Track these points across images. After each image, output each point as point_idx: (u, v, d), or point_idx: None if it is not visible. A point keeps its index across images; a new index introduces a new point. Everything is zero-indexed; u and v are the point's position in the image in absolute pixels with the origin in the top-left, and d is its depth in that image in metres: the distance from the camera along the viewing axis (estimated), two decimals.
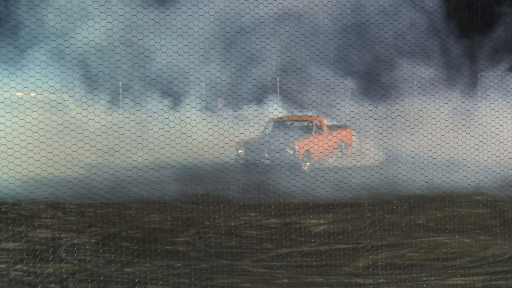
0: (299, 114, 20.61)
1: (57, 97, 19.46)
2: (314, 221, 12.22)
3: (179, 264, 9.46)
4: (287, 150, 18.04)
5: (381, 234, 11.14)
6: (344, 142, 20.42)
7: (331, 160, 19.58)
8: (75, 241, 10.89)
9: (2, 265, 9.43)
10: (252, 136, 18.60)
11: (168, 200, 14.61)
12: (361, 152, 19.62)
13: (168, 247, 10.46)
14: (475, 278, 8.69)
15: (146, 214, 13.17)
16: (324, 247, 10.33)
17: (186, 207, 13.99)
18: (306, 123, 19.58)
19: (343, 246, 10.42)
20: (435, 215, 12.72)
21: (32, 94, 19.20)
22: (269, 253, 10.06)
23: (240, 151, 18.15)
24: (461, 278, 8.70)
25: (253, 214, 12.94)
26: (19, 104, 18.55)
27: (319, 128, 19.76)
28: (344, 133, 20.56)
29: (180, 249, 10.37)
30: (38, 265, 9.42)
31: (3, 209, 13.68)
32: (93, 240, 10.97)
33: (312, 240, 10.83)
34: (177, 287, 8.47)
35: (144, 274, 8.98)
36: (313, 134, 19.32)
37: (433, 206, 13.58)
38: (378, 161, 19.16)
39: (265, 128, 19.35)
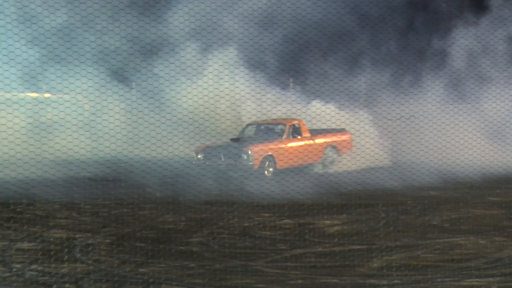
0: (281, 117, 19.54)
1: (71, 97, 19.52)
2: (328, 222, 12.20)
3: (193, 265, 9.47)
4: (242, 155, 17.57)
5: (395, 235, 11.10)
6: (334, 147, 19.12)
7: (317, 167, 18.76)
8: (89, 241, 10.92)
9: (18, 265, 9.48)
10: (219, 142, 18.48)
11: (182, 201, 14.64)
12: (366, 155, 18.45)
13: (182, 248, 10.47)
14: (490, 279, 8.65)
15: (160, 215, 13.20)
16: (338, 248, 10.31)
17: (200, 207, 14.01)
18: (279, 127, 18.66)
19: (357, 247, 10.40)
20: (449, 216, 12.67)
21: (46, 95, 19.27)
22: (283, 253, 10.05)
23: (199, 156, 17.88)
24: (476, 279, 8.66)
25: (266, 214, 12.94)
26: (34, 105, 18.64)
27: (296, 132, 18.64)
28: (336, 138, 19.29)
29: (194, 249, 10.38)
30: (53, 265, 9.46)
31: (18, 209, 13.75)
32: (107, 241, 11.01)
33: (326, 240, 10.82)
34: None
35: (158, 275, 9.00)
36: (284, 138, 18.36)
37: (448, 207, 13.53)
38: (384, 163, 18.78)
39: (242, 133, 18.87)
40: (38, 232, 11.61)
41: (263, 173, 17.55)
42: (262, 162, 17.61)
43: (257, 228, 11.81)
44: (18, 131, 16.94)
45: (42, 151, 16.59)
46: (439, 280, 8.61)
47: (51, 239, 11.08)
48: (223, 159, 17.63)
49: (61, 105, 19.11)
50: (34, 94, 18.87)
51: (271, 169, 17.74)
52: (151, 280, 8.73)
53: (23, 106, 18.27)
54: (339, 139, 19.31)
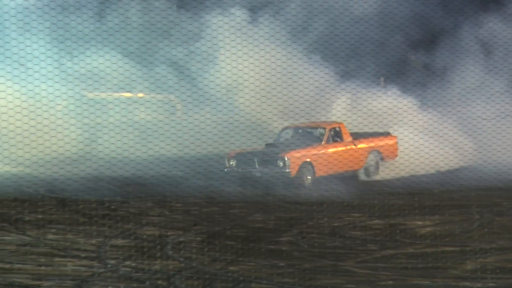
0: (320, 120, 18.23)
1: (164, 97, 19.88)
2: (420, 223, 11.99)
3: (282, 264, 9.48)
4: (278, 162, 16.11)
5: (490, 237, 10.81)
6: (380, 153, 17.59)
7: (361, 174, 17.36)
8: (181, 239, 11.10)
9: (112, 261, 9.72)
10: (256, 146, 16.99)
11: (272, 200, 14.69)
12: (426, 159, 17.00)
13: (271, 247, 10.51)
14: None
15: (250, 214, 13.28)
16: (430, 249, 10.12)
17: (289, 207, 14.02)
18: (319, 130, 17.16)
19: (450, 248, 10.18)
20: None
21: (140, 95, 19.70)
22: (373, 254, 9.94)
23: (231, 162, 16.50)
24: None
25: (357, 214, 12.83)
26: (128, 105, 19.09)
27: (337, 136, 17.11)
28: (380, 142, 17.70)
29: (283, 248, 10.39)
30: (146, 262, 9.65)
31: (112, 207, 14.11)
32: (198, 238, 11.15)
33: (417, 242, 10.63)
34: (281, 287, 8.50)
35: (248, 273, 9.06)
36: (323, 143, 16.80)
37: None
38: (452, 167, 17.90)
39: (279, 137, 17.48)
40: (132, 229, 11.88)
41: (302, 181, 16.17)
42: (300, 169, 16.15)
43: (347, 228, 11.73)
44: (112, 130, 17.40)
45: (135, 149, 16.96)
46: None
47: (144, 236, 11.31)
48: (257, 166, 16.25)
49: (154, 105, 19.51)
50: (128, 94, 19.32)
51: (309, 177, 16.27)
52: (241, 278, 8.79)
53: (117, 105, 18.76)
54: (383, 143, 17.72)
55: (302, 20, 19.15)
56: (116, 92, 18.72)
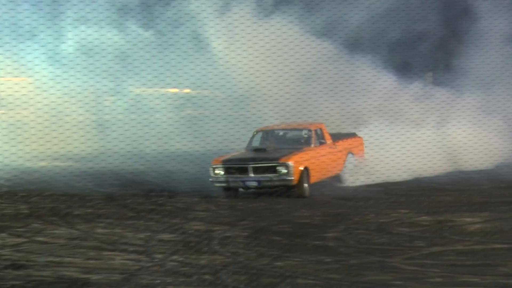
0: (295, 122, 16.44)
1: (210, 93, 19.96)
2: (469, 219, 11.83)
3: (328, 260, 9.45)
4: (279, 168, 14.14)
5: None
6: (353, 154, 16.09)
7: (344, 178, 15.67)
8: (227, 234, 11.14)
9: (159, 255, 9.81)
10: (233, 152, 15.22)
11: (318, 196, 14.64)
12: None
13: (317, 242, 10.48)
14: None
15: (296, 209, 13.26)
16: (479, 246, 9.98)
17: (336, 202, 13.96)
18: (303, 132, 15.29)
19: (499, 245, 10.02)
20: None
21: (186, 90, 19.83)
22: (421, 251, 9.85)
23: (217, 172, 14.34)
24: None
25: (404, 211, 12.71)
26: (174, 100, 19.23)
27: (321, 138, 15.43)
28: (353, 143, 16.32)
29: (329, 244, 10.36)
30: (192, 257, 9.71)
31: (160, 202, 14.23)
32: (244, 233, 11.18)
33: (466, 238, 10.49)
34: (327, 282, 8.47)
35: (294, 268, 9.05)
36: (313, 146, 15.04)
37: None
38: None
39: (250, 142, 15.37)
40: (178, 224, 11.97)
41: (302, 190, 14.39)
42: (301, 175, 14.28)
43: (394, 224, 11.63)
44: (159, 125, 17.55)
45: (182, 145, 17.09)
46: None
47: (191, 231, 11.39)
48: (252, 175, 14.19)
49: (200, 100, 19.61)
50: (174, 90, 19.45)
51: (306, 184, 14.44)
52: (287, 273, 8.79)
53: (164, 101, 18.91)
54: (355, 144, 16.34)
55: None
56: (162, 87, 18.87)
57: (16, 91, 15.39)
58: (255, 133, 15.55)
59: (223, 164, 14.31)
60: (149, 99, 18.94)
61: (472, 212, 12.40)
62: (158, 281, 8.63)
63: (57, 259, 9.71)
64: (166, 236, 11.09)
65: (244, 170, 14.25)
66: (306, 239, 10.67)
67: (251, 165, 14.23)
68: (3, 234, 11.30)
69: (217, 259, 9.58)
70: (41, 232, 11.51)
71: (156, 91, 19.13)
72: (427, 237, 10.69)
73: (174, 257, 9.73)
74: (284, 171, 14.08)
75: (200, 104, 19.52)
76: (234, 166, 14.34)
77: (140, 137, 16.72)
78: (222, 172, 14.31)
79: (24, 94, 15.28)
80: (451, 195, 14.34)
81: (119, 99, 18.52)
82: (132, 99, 18.76)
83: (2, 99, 14.57)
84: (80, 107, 16.54)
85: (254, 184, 14.23)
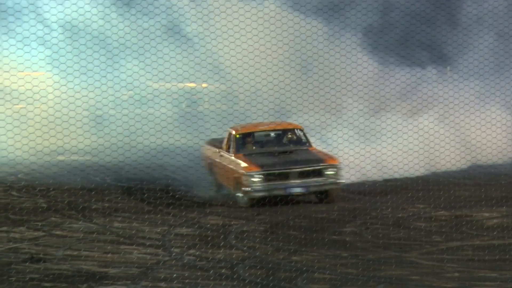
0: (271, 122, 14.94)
1: (227, 87, 19.95)
2: (487, 214, 11.76)
3: (346, 254, 9.44)
4: (327, 171, 12.92)
5: None
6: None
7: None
8: (244, 229, 11.15)
9: (177, 250, 9.84)
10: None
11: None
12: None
13: (335, 237, 10.47)
14: None
15: (313, 204, 13.24)
16: (497, 241, 9.92)
17: (353, 197, 13.93)
18: (296, 132, 13.98)
19: None
20: None
21: (204, 85, 19.86)
22: (438, 245, 9.81)
23: (256, 180, 12.66)
24: None
25: (421, 205, 12.66)
26: (192, 95, 19.25)
27: (305, 138, 14.07)
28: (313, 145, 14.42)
29: (347, 239, 10.35)
30: (209, 251, 9.74)
31: (177, 196, 14.27)
32: (261, 228, 11.19)
33: (484, 233, 10.44)
34: (344, 277, 8.46)
35: (311, 263, 9.05)
36: (313, 145, 13.99)
37: None
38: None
39: (237, 144, 13.60)
40: (196, 218, 12.00)
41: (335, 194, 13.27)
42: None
43: (411, 219, 11.59)
44: (176, 120, 17.58)
45: (199, 139, 17.11)
46: None
47: (208, 225, 11.41)
48: (297, 180, 12.88)
49: (217, 95, 19.62)
50: (192, 84, 19.48)
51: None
52: (304, 268, 8.79)
53: (182, 96, 18.93)
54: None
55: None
56: (180, 82, 18.90)
57: (35, 86, 15.49)
58: (237, 135, 13.72)
59: (263, 171, 12.73)
60: (166, 94, 18.99)
61: (490, 207, 12.34)
62: (175, 275, 8.66)
63: (75, 253, 9.77)
64: (183, 230, 11.12)
65: (285, 176, 12.89)
66: (323, 233, 10.67)
67: (295, 170, 12.88)
68: (22, 228, 11.39)
69: (234, 253, 9.60)
70: (59, 225, 11.59)
71: (174, 85, 19.17)
72: (445, 232, 10.65)
73: (191, 251, 9.76)
74: (332, 173, 12.93)
75: (218, 99, 19.53)
76: (275, 172, 12.86)
77: (158, 131, 16.75)
78: (261, 180, 12.71)
79: (42, 89, 15.37)
80: (469, 189, 14.27)
81: (137, 94, 18.58)
82: (150, 93, 18.81)
83: (21, 93, 14.66)
84: (98, 101, 16.60)
85: (300, 190, 12.88)
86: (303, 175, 12.90)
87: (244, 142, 13.76)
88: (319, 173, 12.92)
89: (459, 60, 19.34)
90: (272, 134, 14.18)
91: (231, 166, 13.56)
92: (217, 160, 14.42)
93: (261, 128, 14.33)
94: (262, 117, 15.98)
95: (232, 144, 13.74)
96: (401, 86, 17.95)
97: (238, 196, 13.17)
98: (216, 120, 17.03)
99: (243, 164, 13.04)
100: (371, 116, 17.40)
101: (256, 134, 14.04)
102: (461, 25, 18.84)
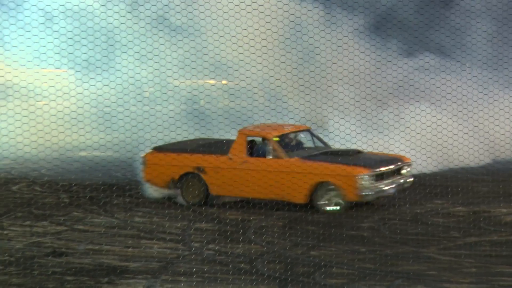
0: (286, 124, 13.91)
1: (247, 84, 20.04)
2: (505, 210, 11.78)
3: (363, 249, 9.52)
4: (405, 170, 12.71)
5: None
6: None
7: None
8: (263, 224, 11.26)
9: (196, 244, 9.97)
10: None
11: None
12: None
13: (352, 232, 10.54)
14: None
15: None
16: None
17: None
18: (310, 133, 13.37)
19: None
20: None
21: (224, 82, 19.98)
22: (456, 241, 9.86)
23: (368, 182, 12.02)
24: None
25: (439, 201, 12.69)
26: (212, 91, 19.37)
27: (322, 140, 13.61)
28: None
29: (364, 234, 10.42)
30: (229, 246, 9.85)
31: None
32: (280, 223, 11.29)
33: (502, 229, 10.48)
34: (362, 272, 8.55)
35: (329, 258, 9.14)
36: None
37: None
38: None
39: (280, 149, 12.50)
40: (215, 213, 12.11)
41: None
42: None
43: (429, 214, 11.64)
44: (196, 116, 17.70)
45: (218, 136, 17.21)
46: None
47: (227, 220, 11.52)
48: (390, 180, 12.46)
49: (237, 92, 19.71)
50: (212, 81, 19.59)
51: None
52: (322, 263, 8.88)
53: (202, 92, 19.05)
54: None
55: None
56: (200, 79, 19.02)
57: (58, 82, 15.66)
58: (274, 138, 12.63)
59: (374, 171, 12.15)
60: (187, 91, 19.11)
61: (508, 203, 12.34)
62: (195, 269, 8.78)
63: (97, 247, 9.93)
64: (203, 225, 11.24)
65: (379, 177, 12.29)
66: (341, 229, 10.74)
67: (386, 171, 12.40)
68: (45, 222, 11.57)
69: (253, 248, 9.70)
70: (81, 220, 11.75)
71: (194, 82, 19.29)
72: (463, 227, 10.69)
73: (211, 245, 9.88)
74: (407, 171, 12.72)
75: (237, 95, 19.62)
76: (382, 173, 12.31)
77: (179, 127, 16.86)
78: (372, 182, 12.12)
79: (65, 86, 15.54)
80: (487, 185, 14.26)
81: (158, 90, 18.72)
82: (171, 90, 18.93)
83: (44, 90, 14.84)
84: (120, 98, 16.75)
85: (393, 191, 12.46)
86: (391, 175, 12.46)
87: (283, 145, 12.74)
88: (398, 172, 12.61)
89: (473, 54, 19.11)
90: (301, 135, 13.32)
91: (298, 171, 12.23)
92: (240, 167, 12.61)
93: (290, 129, 13.29)
94: (277, 117, 15.96)
95: (272, 148, 12.52)
96: (399, 78, 17.60)
97: (325, 206, 12.13)
98: (223, 117, 17.09)
99: (341, 167, 12.12)
100: (383, 109, 17.11)
101: (286, 136, 13.02)
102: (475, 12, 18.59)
